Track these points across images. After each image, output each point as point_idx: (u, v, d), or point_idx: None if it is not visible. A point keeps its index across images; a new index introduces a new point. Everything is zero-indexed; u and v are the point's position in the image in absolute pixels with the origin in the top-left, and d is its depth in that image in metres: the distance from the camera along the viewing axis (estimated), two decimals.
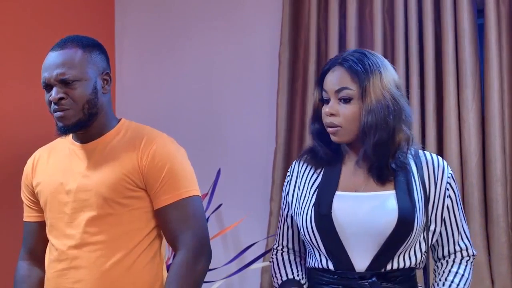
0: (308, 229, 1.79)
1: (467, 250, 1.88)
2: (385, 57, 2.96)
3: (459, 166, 2.79)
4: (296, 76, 3.16)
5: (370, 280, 1.74)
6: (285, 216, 1.95)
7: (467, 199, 2.77)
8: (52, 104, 1.83)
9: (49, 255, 1.95)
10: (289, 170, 1.95)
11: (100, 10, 3.56)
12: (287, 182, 1.93)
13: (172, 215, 1.86)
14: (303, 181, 1.88)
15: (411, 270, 1.81)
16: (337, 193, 1.79)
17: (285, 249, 1.96)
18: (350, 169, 1.83)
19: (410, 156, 1.82)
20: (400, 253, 1.77)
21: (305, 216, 1.80)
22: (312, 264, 1.85)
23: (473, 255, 1.89)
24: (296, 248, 1.95)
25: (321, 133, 1.85)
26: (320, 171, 1.86)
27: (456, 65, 2.82)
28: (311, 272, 1.88)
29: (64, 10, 3.27)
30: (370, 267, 1.75)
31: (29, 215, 2.04)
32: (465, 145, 2.78)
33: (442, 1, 2.84)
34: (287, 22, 3.14)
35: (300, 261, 1.95)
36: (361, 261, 1.76)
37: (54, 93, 1.81)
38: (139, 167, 1.86)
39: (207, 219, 2.52)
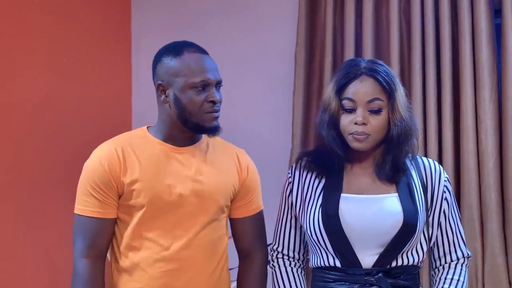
0: (316, 230, 1.85)
1: (462, 252, 1.95)
2: (402, 58, 2.99)
3: (476, 167, 2.78)
4: (312, 76, 3.16)
5: (376, 276, 1.81)
6: (287, 216, 2.00)
7: (484, 200, 2.76)
8: (212, 104, 1.91)
9: (152, 253, 1.92)
10: (289, 172, 2.01)
11: (117, 8, 3.58)
12: (289, 183, 1.99)
13: (252, 223, 2.09)
14: (306, 185, 1.94)
15: (414, 267, 1.89)
16: (343, 195, 1.86)
17: (285, 256, 2.00)
18: (353, 173, 1.90)
19: (408, 161, 1.91)
20: (404, 252, 1.84)
21: (312, 216, 1.87)
22: (317, 264, 1.91)
23: (468, 257, 1.96)
24: (297, 249, 2.00)
25: (335, 140, 1.88)
26: (322, 175, 1.92)
27: (473, 65, 2.81)
28: (315, 272, 1.94)
29: (82, 10, 3.30)
30: (376, 265, 1.82)
31: (100, 211, 1.92)
32: (482, 146, 2.77)
33: (459, 1, 2.83)
34: (303, 22, 3.14)
35: (301, 272, 2.00)
36: (367, 259, 1.83)
37: (218, 94, 1.93)
38: (240, 180, 2.05)
39: None
